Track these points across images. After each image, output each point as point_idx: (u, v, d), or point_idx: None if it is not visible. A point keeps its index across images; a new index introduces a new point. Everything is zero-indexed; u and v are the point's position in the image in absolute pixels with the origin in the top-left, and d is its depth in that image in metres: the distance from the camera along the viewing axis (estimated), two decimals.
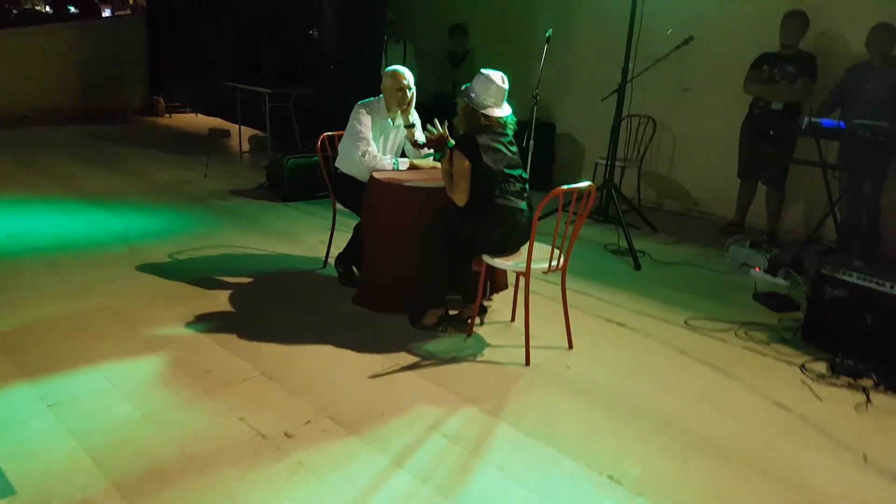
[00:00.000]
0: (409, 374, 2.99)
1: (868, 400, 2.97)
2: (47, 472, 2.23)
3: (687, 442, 2.60)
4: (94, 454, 2.32)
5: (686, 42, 4.80)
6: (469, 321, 3.45)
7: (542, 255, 3.14)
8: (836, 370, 3.22)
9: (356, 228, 3.95)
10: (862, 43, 4.62)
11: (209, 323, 3.37)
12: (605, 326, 3.62)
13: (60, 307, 3.46)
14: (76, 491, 2.14)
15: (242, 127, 7.88)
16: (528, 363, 3.11)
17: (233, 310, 3.56)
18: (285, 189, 5.81)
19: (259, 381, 2.86)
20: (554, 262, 3.11)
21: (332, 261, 4.16)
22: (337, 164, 3.98)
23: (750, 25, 5.39)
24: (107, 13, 17.40)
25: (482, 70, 3.22)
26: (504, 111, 3.25)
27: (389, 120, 3.87)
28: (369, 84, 6.50)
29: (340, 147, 3.95)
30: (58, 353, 2.98)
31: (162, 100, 10.68)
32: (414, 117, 3.91)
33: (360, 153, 3.70)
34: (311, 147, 6.45)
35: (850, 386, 3.10)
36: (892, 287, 3.20)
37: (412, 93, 3.80)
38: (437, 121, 3.35)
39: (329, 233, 4.26)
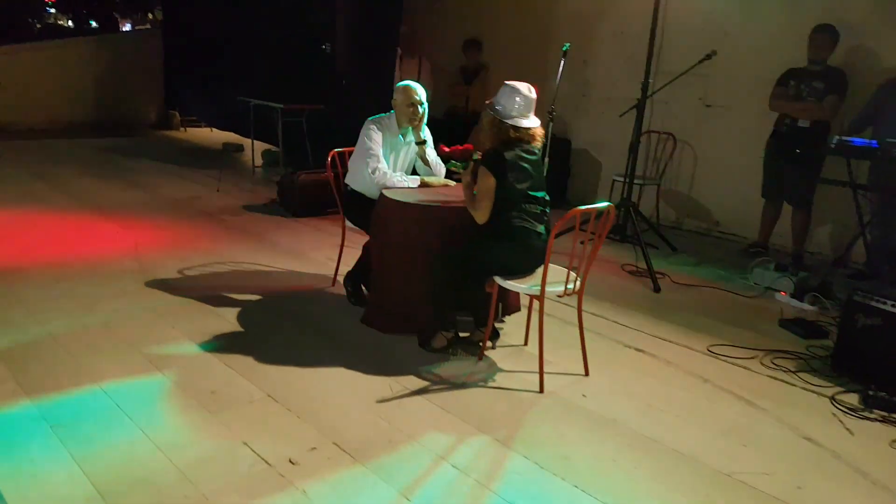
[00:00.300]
0: (418, 399, 2.87)
1: None
2: (47, 496, 2.15)
3: (710, 478, 2.44)
4: (95, 479, 2.23)
5: (709, 56, 4.67)
6: (480, 344, 3.33)
7: (557, 277, 3.01)
8: (868, 403, 3.05)
9: (365, 247, 3.85)
10: (895, 59, 4.46)
11: (216, 341, 3.28)
12: (622, 352, 3.47)
13: (66, 323, 3.39)
14: None
15: (256, 142, 7.85)
16: (541, 390, 2.98)
17: (240, 328, 3.47)
18: (296, 205, 5.73)
19: (264, 404, 2.75)
20: (570, 286, 2.98)
21: (340, 279, 4.06)
22: (347, 181, 3.89)
23: (776, 40, 5.26)
24: (127, 27, 17.66)
25: (507, 82, 3.12)
26: (532, 122, 3.13)
27: (400, 136, 3.78)
28: (382, 99, 6.46)
29: (350, 163, 3.86)
30: (62, 371, 2.91)
31: (177, 113, 10.73)
32: (426, 134, 3.82)
33: (370, 170, 3.61)
34: (322, 163, 6.42)
35: (883, 420, 2.93)
36: None
37: (424, 109, 3.71)
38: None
39: (338, 251, 4.16)
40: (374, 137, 3.65)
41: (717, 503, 2.31)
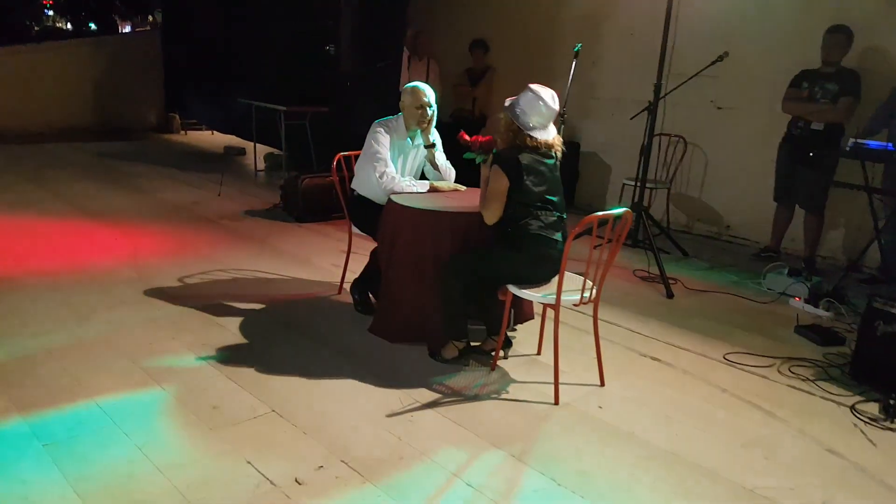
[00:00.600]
0: (429, 412, 2.77)
1: None
2: None
3: (733, 494, 2.35)
4: (90, 501, 2.12)
5: (721, 58, 4.58)
6: (492, 354, 3.24)
7: (572, 285, 2.92)
8: (890, 412, 2.96)
9: (373, 253, 3.76)
10: None
11: (218, 353, 3.18)
12: (638, 361, 3.38)
13: (61, 335, 3.28)
14: None
15: (258, 145, 7.77)
16: (556, 402, 2.88)
17: (243, 339, 3.37)
18: (300, 209, 5.64)
19: (269, 419, 2.66)
20: (586, 294, 2.89)
21: (347, 286, 3.97)
22: (353, 186, 3.80)
23: (788, 41, 5.17)
24: (126, 29, 17.57)
25: (531, 85, 3.00)
26: (549, 133, 3.03)
27: (409, 139, 3.69)
28: (387, 102, 6.38)
29: (357, 167, 3.77)
30: (56, 386, 2.81)
31: (178, 116, 10.64)
32: (434, 136, 3.72)
33: (377, 174, 3.51)
34: (326, 166, 6.33)
35: None
36: None
37: (433, 111, 3.61)
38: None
39: (343, 257, 4.07)
40: (381, 141, 3.55)
41: None
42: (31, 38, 14.07)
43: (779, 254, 5.22)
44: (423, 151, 3.75)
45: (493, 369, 3.17)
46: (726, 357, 3.46)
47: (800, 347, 3.64)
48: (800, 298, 4.23)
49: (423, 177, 3.84)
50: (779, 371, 3.35)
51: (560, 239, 3.01)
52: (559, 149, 3.08)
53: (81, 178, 6.95)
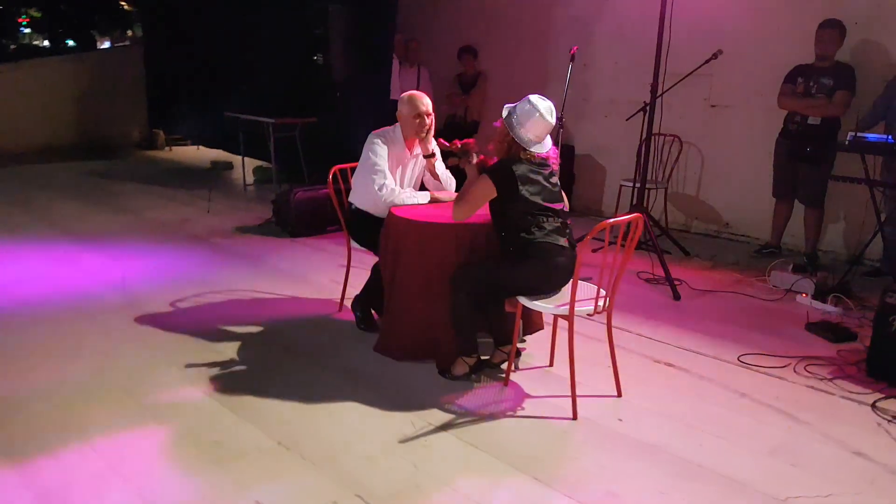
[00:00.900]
0: (444, 435, 2.67)
1: None
2: None
3: None
4: None
5: (715, 56, 4.53)
6: (502, 367, 3.15)
7: (585, 295, 2.82)
8: None
9: (374, 269, 3.65)
10: None
11: (216, 383, 3.05)
12: (652, 368, 3.30)
13: (50, 370, 3.11)
14: None
15: (246, 158, 7.63)
16: (575, 417, 2.79)
17: (242, 366, 3.24)
18: (293, 224, 5.52)
19: (275, 453, 2.53)
20: (600, 303, 2.80)
21: (348, 304, 3.86)
22: (351, 199, 3.69)
23: (781, 37, 5.13)
24: (106, 45, 17.31)
25: (530, 97, 2.92)
26: (545, 147, 2.95)
27: (407, 150, 3.58)
28: (379, 111, 6.29)
29: (354, 181, 3.66)
30: (46, 427, 2.64)
31: (162, 132, 10.46)
32: (433, 146, 3.62)
33: (376, 187, 3.41)
34: (318, 178, 6.21)
35: None
36: None
37: (431, 120, 3.52)
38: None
39: (342, 272, 3.96)
40: (379, 152, 3.45)
41: None
42: (8, 57, 13.81)
43: (780, 250, 5.17)
44: (421, 162, 3.66)
45: (505, 384, 3.07)
46: (741, 359, 3.39)
47: (812, 345, 3.58)
48: (807, 295, 4.17)
49: (422, 187, 3.74)
50: (795, 371, 3.28)
51: (567, 245, 2.92)
52: (555, 161, 3.01)
53: (65, 198, 6.77)
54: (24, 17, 18.47)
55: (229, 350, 3.39)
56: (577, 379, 2.86)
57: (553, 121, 2.91)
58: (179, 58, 9.02)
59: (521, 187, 2.84)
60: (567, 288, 2.95)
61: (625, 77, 6.02)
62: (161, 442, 2.58)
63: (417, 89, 3.73)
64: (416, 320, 3.22)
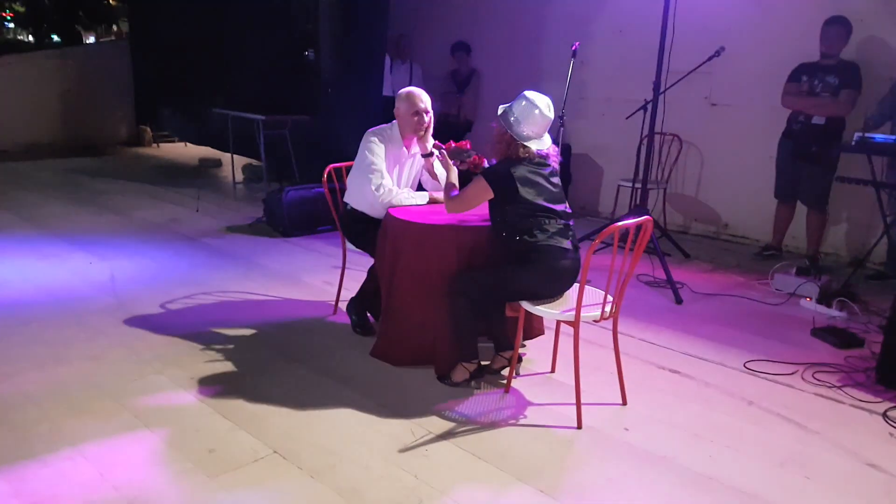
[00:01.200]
0: (445, 444, 2.57)
1: None
2: None
3: None
4: None
5: (717, 53, 4.46)
6: (503, 373, 3.05)
7: (590, 299, 2.73)
8: None
9: (370, 271, 3.54)
10: None
11: (209, 388, 2.94)
12: (656, 374, 3.21)
13: (36, 375, 3.00)
14: None
15: (235, 156, 7.48)
16: (579, 426, 2.69)
17: (235, 370, 3.13)
18: (285, 224, 5.39)
19: (271, 462, 2.42)
20: (607, 308, 2.71)
21: (342, 306, 3.74)
22: (346, 200, 3.58)
23: (785, 34, 5.05)
24: (90, 40, 17.05)
25: (526, 93, 2.82)
26: (544, 144, 2.86)
27: (404, 148, 3.47)
28: (370, 109, 6.18)
29: (350, 180, 3.55)
30: (35, 434, 2.54)
31: (149, 129, 10.28)
32: (431, 145, 3.51)
33: (373, 187, 3.30)
34: (309, 177, 6.09)
35: None
36: None
37: (430, 117, 3.41)
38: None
39: (335, 273, 3.86)
40: (375, 151, 3.34)
41: None
42: None
43: (781, 252, 5.11)
44: (419, 161, 3.55)
45: (506, 391, 2.97)
46: (747, 365, 3.31)
47: (819, 351, 3.51)
48: (811, 299, 4.10)
49: (420, 188, 3.63)
50: (802, 378, 3.20)
51: (570, 247, 2.82)
52: (555, 159, 2.91)
53: (51, 197, 6.61)
54: (7, 11, 18.14)
55: (221, 354, 3.27)
56: (581, 386, 2.76)
57: (552, 116, 2.82)
58: (167, 53, 8.84)
59: (521, 189, 2.75)
60: (570, 292, 2.86)
61: (622, 75, 5.94)
62: (153, 449, 2.48)
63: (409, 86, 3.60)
64: (415, 325, 3.12)
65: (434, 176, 3.52)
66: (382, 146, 3.37)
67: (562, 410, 2.82)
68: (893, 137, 3.89)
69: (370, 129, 3.43)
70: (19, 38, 20.08)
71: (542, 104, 2.78)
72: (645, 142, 5.32)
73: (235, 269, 4.58)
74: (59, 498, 2.19)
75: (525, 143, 2.79)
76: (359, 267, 3.98)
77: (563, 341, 3.17)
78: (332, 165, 3.70)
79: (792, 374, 3.24)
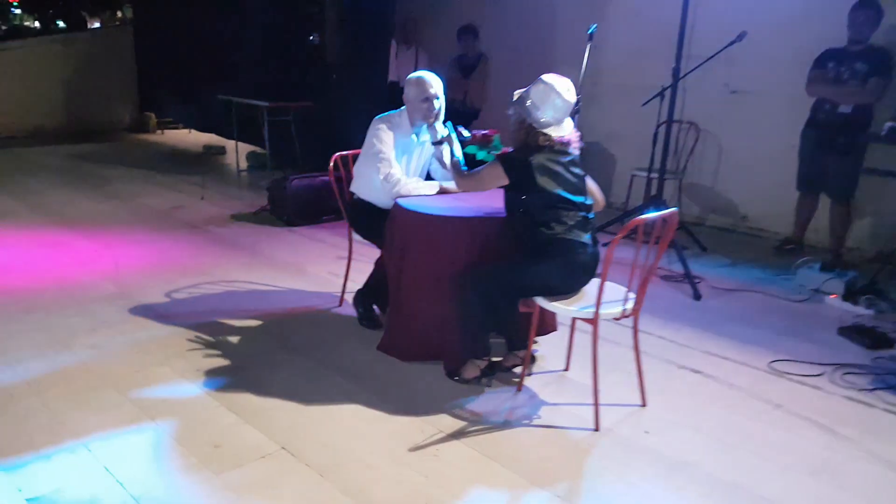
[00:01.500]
0: (456, 444, 2.45)
1: None
2: None
3: None
4: None
5: (739, 38, 4.26)
6: (515, 370, 2.93)
7: (609, 296, 2.59)
8: None
9: (378, 262, 3.42)
10: None
11: (214, 380, 2.84)
12: (677, 375, 3.07)
13: (39, 365, 2.91)
14: None
15: (239, 143, 7.35)
16: (597, 428, 2.56)
17: (240, 362, 3.02)
18: (289, 213, 5.26)
19: (278, 459, 2.33)
20: (628, 305, 2.57)
21: (348, 298, 3.62)
22: (353, 189, 3.44)
23: (810, 18, 4.83)
24: (96, 26, 16.92)
25: (543, 76, 2.67)
26: (565, 129, 2.71)
27: (413, 136, 3.33)
28: (376, 95, 6.02)
29: (356, 169, 3.41)
30: (37, 425, 2.46)
31: (153, 115, 10.15)
32: (442, 132, 3.37)
33: (381, 176, 3.16)
34: (314, 165, 5.95)
35: None
36: None
37: (440, 103, 3.26)
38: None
39: (341, 264, 3.74)
40: (383, 139, 3.19)
41: None
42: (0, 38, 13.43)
43: (802, 246, 4.94)
44: (429, 149, 3.40)
45: (519, 390, 2.85)
46: (772, 366, 3.17)
47: (846, 351, 3.36)
48: (836, 296, 3.95)
49: (429, 177, 3.49)
50: (830, 380, 3.06)
51: (589, 241, 2.68)
52: (577, 145, 2.76)
53: (55, 184, 6.50)
54: None
55: (226, 345, 3.17)
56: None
57: (573, 99, 2.66)
58: (170, 39, 8.70)
59: (538, 178, 2.61)
60: (587, 288, 2.72)
61: (637, 60, 5.74)
62: (158, 443, 2.40)
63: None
64: (424, 319, 2.99)
65: (444, 164, 3.38)
66: (391, 134, 3.22)
67: (577, 411, 2.69)
68: None
69: (378, 116, 3.29)
70: (26, 23, 19.98)
71: (562, 87, 2.63)
72: (661, 130, 5.17)
73: (240, 259, 4.46)
74: (63, 492, 2.12)
75: (544, 131, 2.64)
76: (365, 258, 3.85)
77: (579, 339, 3.03)
78: (338, 154, 3.56)
79: (819, 375, 3.10)
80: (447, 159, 3.35)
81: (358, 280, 3.57)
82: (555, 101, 2.61)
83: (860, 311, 3.79)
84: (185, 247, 4.69)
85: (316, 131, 6.46)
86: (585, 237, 2.67)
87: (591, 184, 2.89)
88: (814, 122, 4.60)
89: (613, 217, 5.08)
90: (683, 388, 2.94)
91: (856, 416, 2.77)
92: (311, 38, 6.11)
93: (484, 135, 2.90)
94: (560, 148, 2.68)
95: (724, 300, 4.01)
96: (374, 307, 3.48)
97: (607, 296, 2.55)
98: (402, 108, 3.30)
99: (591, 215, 2.76)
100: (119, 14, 16.77)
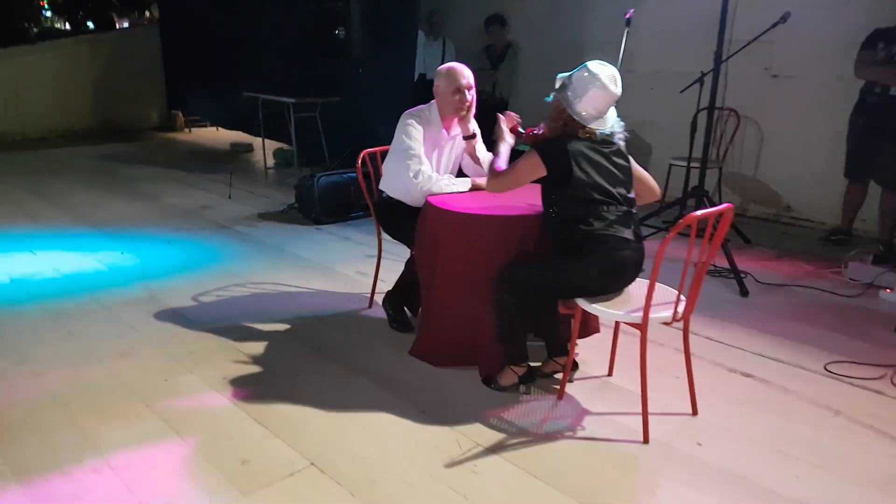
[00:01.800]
0: (495, 459, 2.32)
1: None
2: None
3: None
4: None
5: (783, 19, 4.04)
6: (557, 377, 2.79)
7: (658, 298, 2.43)
8: None
9: (408, 263, 3.30)
10: None
11: (242, 389, 2.75)
12: (728, 378, 2.90)
13: (63, 374, 2.86)
14: None
15: (266, 140, 7.30)
16: (646, 440, 2.41)
17: (268, 369, 2.93)
18: (317, 211, 5.18)
19: (309, 476, 2.22)
20: (679, 309, 2.41)
21: (378, 299, 3.51)
22: (382, 188, 3.32)
23: None
24: (125, 26, 17.10)
25: (588, 64, 2.50)
26: (608, 122, 2.54)
27: (444, 130, 3.19)
28: (402, 88, 5.89)
29: (386, 166, 3.29)
30: (60, 441, 2.39)
31: (181, 114, 10.18)
32: (474, 126, 3.23)
33: (411, 174, 3.03)
34: (341, 161, 5.86)
35: None
36: None
37: (472, 95, 3.12)
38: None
39: (370, 263, 3.63)
40: (413, 134, 3.06)
41: None
42: (30, 40, 13.62)
43: (850, 236, 4.70)
44: (460, 143, 3.26)
45: (560, 398, 2.70)
46: (827, 368, 2.97)
47: None
48: (891, 290, 3.72)
49: (460, 173, 3.35)
50: (893, 383, 2.86)
51: (632, 238, 2.52)
52: (621, 135, 2.59)
53: (83, 184, 6.53)
54: None
55: (254, 350, 3.09)
56: (640, 390, 2.47)
57: (618, 91, 2.49)
58: (197, 37, 8.68)
59: (575, 168, 2.44)
60: (631, 288, 2.56)
61: (671, 45, 5.53)
62: (183, 459, 2.30)
63: (442, 64, 3.30)
64: (458, 322, 2.86)
65: (476, 160, 3.24)
66: (420, 129, 3.09)
67: (624, 421, 2.54)
68: None
69: (407, 111, 3.16)
70: (56, 25, 20.28)
71: (605, 76, 2.46)
72: (699, 117, 4.96)
73: (267, 259, 4.39)
74: None
75: (585, 125, 2.48)
76: (395, 256, 3.75)
77: (624, 341, 2.89)
78: (366, 151, 3.44)
79: (880, 378, 2.90)
80: (481, 155, 3.22)
81: (388, 280, 3.47)
82: (597, 94, 2.45)
83: None
84: (213, 247, 4.64)
85: (343, 126, 6.37)
86: (627, 233, 2.51)
87: (642, 173, 2.70)
88: (863, 107, 4.36)
89: (653, 209, 4.89)
90: (735, 393, 2.77)
91: None
92: (337, 31, 5.99)
93: (536, 134, 2.72)
94: (603, 139, 2.52)
95: (772, 296, 3.81)
96: (405, 309, 3.37)
97: (655, 298, 2.39)
98: (432, 101, 3.17)
99: (633, 210, 2.59)
100: (147, 14, 16.92)
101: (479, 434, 2.46)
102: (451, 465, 2.28)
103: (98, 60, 9.68)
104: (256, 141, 7.84)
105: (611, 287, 2.55)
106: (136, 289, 3.84)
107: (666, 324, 2.44)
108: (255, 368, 2.94)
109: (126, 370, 2.90)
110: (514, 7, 6.58)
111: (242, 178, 6.85)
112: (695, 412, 2.59)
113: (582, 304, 2.53)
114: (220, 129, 9.95)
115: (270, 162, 7.44)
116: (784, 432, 2.49)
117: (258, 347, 3.12)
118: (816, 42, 4.82)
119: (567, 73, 2.56)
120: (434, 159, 3.21)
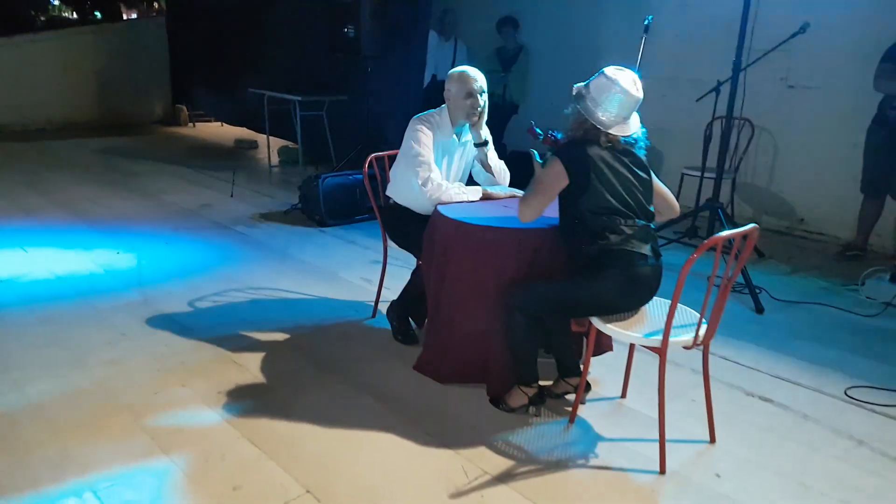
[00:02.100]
0: (503, 489, 2.20)
1: None
2: None
3: None
4: None
5: (802, 30, 3.94)
6: (569, 398, 2.67)
7: (677, 320, 2.31)
8: None
9: (415, 273, 3.18)
10: None
11: (236, 405, 2.63)
12: (746, 403, 2.78)
13: (50, 384, 2.73)
14: None
15: (271, 138, 7.19)
16: (662, 470, 2.29)
17: (265, 382, 2.81)
18: (321, 213, 5.05)
19: None
20: (701, 332, 2.29)
21: (382, 308, 3.40)
22: (389, 194, 3.21)
23: (879, 7, 4.46)
24: (133, 17, 17.02)
25: (606, 70, 2.40)
26: (631, 128, 2.43)
27: (454, 136, 3.07)
28: (413, 88, 5.78)
29: (393, 172, 3.17)
30: (41, 458, 2.26)
31: (185, 108, 10.05)
32: (486, 133, 3.11)
33: (420, 181, 2.91)
34: (347, 161, 5.75)
35: None
36: None
37: (484, 100, 3.00)
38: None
39: (374, 269, 3.52)
40: (423, 140, 2.95)
41: None
42: (37, 29, 13.51)
43: (865, 252, 4.58)
44: (471, 150, 3.15)
45: (571, 422, 2.58)
46: (848, 393, 2.85)
47: None
48: None
49: (471, 181, 3.23)
50: None
51: (650, 254, 2.39)
52: (643, 146, 2.48)
53: (82, 179, 6.39)
54: None
55: (251, 362, 2.96)
56: (654, 415, 2.36)
57: (639, 94, 2.38)
58: (203, 31, 8.56)
59: (593, 174, 2.33)
60: (648, 308, 2.45)
61: (686, 52, 5.41)
62: (171, 484, 2.17)
63: (453, 65, 3.18)
64: (466, 338, 2.75)
65: (488, 168, 3.13)
66: (430, 135, 2.97)
67: (638, 448, 2.42)
68: None
69: (416, 116, 3.04)
70: (64, 14, 20.18)
71: (625, 81, 2.35)
72: (712, 126, 4.85)
73: (268, 263, 4.27)
74: None
75: (608, 132, 2.37)
76: (401, 263, 3.63)
77: (639, 361, 2.77)
78: (373, 155, 3.32)
79: None
80: (492, 163, 3.11)
81: (393, 288, 3.35)
82: (619, 99, 2.34)
83: None
84: (212, 249, 4.51)
85: (350, 126, 6.25)
86: (646, 248, 2.39)
87: (661, 187, 2.59)
88: (881, 120, 4.26)
89: (667, 221, 4.77)
90: (754, 419, 2.65)
91: None
92: (346, 29, 5.87)
93: (556, 139, 2.60)
94: (624, 147, 2.40)
95: (789, 314, 3.69)
96: (410, 320, 3.25)
97: (675, 320, 2.27)
98: (443, 105, 3.05)
99: (653, 224, 2.47)
100: (156, 5, 16.82)
101: (487, 460, 2.34)
102: (457, 494, 2.17)
103: (102, 51, 9.54)
104: (261, 138, 7.73)
105: (627, 305, 2.43)
106: (130, 292, 3.71)
107: (686, 348, 2.32)
108: (251, 381, 2.82)
109: (115, 381, 2.77)
110: (526, 10, 6.45)
111: (246, 176, 6.73)
112: (713, 440, 2.47)
113: (597, 323, 2.41)
114: (224, 124, 9.83)
115: (275, 160, 7.32)
116: (807, 464, 2.38)
117: (255, 359, 3.00)
118: (834, 53, 4.71)
119: (583, 83, 2.45)
120: (444, 166, 3.09)
